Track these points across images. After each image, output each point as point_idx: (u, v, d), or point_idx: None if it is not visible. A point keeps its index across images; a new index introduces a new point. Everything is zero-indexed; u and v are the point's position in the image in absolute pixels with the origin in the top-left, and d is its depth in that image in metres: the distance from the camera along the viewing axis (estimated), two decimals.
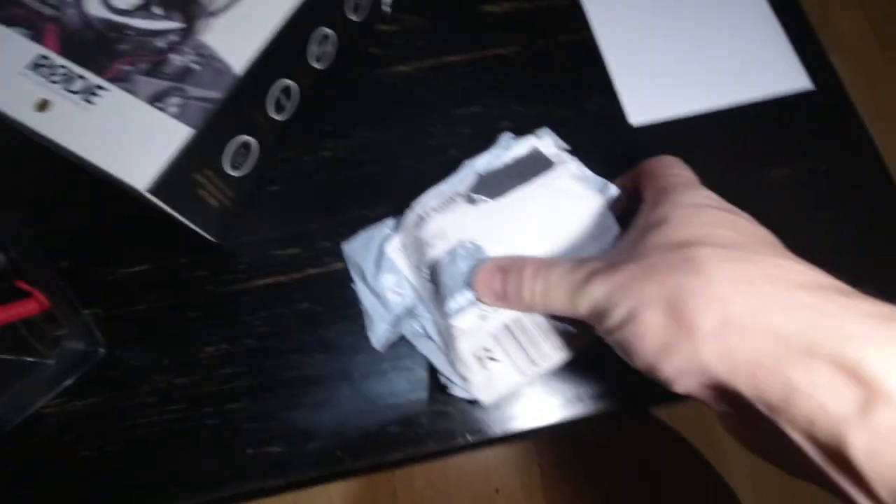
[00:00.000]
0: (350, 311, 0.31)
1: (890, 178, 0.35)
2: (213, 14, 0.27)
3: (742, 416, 0.19)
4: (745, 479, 0.88)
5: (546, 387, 0.30)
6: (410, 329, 0.29)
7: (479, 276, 0.26)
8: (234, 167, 0.29)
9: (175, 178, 0.25)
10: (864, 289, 0.19)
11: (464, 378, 0.27)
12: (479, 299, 0.27)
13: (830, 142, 0.36)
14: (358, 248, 0.31)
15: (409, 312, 0.30)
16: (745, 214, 0.22)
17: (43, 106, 0.25)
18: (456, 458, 0.88)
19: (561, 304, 0.23)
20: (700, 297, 0.19)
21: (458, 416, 0.30)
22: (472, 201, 0.29)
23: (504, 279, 0.25)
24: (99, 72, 0.26)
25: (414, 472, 0.88)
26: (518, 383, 0.27)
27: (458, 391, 0.28)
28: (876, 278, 0.32)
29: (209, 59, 0.26)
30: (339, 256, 0.32)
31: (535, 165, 0.30)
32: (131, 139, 0.25)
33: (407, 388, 0.30)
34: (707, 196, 0.23)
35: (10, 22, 0.26)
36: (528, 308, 0.25)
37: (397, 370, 0.30)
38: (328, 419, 0.30)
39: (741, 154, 0.35)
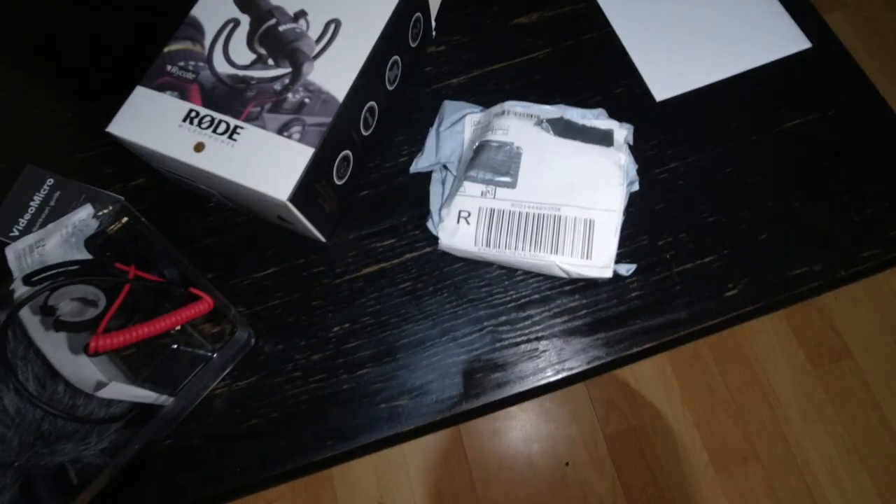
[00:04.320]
0: (444, 283, 0.37)
1: (890, 110, 0.40)
2: (313, 58, 0.34)
3: None
4: None
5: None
6: (438, 174, 0.40)
7: None
8: (339, 177, 0.36)
9: (304, 189, 0.32)
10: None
11: (441, 219, 0.37)
12: None
13: (833, 91, 0.41)
14: (451, 109, 0.41)
15: (445, 162, 0.39)
16: None
17: (199, 147, 0.32)
18: (525, 434, 0.93)
19: None
20: None
21: (549, 353, 0.36)
22: (541, 126, 0.38)
23: None
24: (236, 115, 0.33)
25: (487, 454, 0.93)
26: (470, 251, 0.36)
27: (430, 225, 0.38)
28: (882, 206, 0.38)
29: (316, 92, 0.33)
30: (429, 241, 0.38)
31: (600, 139, 0.38)
32: (269, 163, 0.32)
33: (501, 340, 0.36)
34: None
35: (162, 89, 0.34)
36: None
37: (494, 327, 0.37)
38: (439, 373, 0.36)
39: (754, 112, 0.41)
